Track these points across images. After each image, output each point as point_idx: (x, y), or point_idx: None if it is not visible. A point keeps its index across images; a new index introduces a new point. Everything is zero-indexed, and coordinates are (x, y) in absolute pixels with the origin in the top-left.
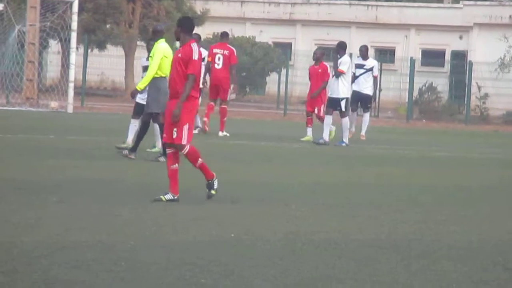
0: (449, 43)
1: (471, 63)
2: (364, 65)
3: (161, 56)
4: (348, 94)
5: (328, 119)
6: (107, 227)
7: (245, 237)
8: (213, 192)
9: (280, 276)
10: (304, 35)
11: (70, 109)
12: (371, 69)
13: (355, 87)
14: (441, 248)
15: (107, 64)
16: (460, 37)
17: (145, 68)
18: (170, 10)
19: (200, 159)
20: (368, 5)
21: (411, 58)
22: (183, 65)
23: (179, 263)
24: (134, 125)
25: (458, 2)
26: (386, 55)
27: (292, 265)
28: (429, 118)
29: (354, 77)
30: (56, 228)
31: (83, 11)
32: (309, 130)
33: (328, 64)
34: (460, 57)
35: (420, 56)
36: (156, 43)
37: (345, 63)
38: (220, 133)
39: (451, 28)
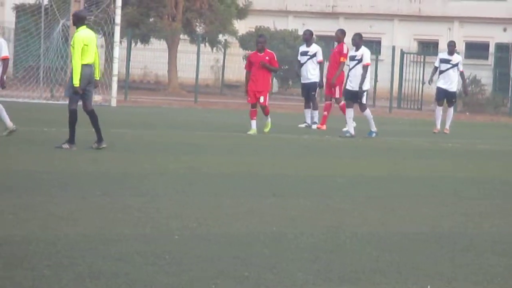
0: (493, 36)
1: None
2: (450, 60)
3: (81, 46)
4: (368, 86)
5: (350, 112)
6: (151, 220)
7: (288, 230)
8: None
9: (324, 270)
10: (347, 28)
11: (113, 103)
12: (456, 65)
13: (441, 83)
14: (486, 242)
15: (150, 57)
16: (504, 30)
17: None
18: (213, 3)
19: None
20: None
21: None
22: None
23: (223, 256)
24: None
25: None
26: (429, 48)
27: (335, 259)
28: (473, 110)
29: (439, 72)
30: (100, 221)
31: (127, 5)
32: (254, 123)
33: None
34: (504, 49)
35: (463, 48)
36: (76, 30)
37: (368, 55)
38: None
39: (495, 21)
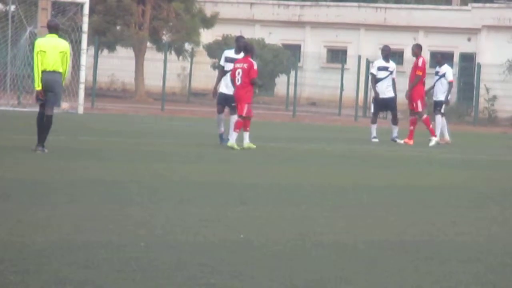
0: (458, 45)
1: (479, 65)
2: (438, 72)
3: (37, 51)
4: None
5: (221, 115)
6: (118, 228)
7: (255, 238)
8: None
9: (289, 277)
10: (313, 37)
11: (80, 110)
12: (443, 75)
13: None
14: (450, 250)
15: (117, 65)
16: (469, 39)
17: None
18: (180, 12)
19: None
20: (377, 7)
21: None
22: None
23: (189, 263)
24: None
25: (466, 4)
26: (395, 57)
27: (301, 266)
28: None
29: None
30: (67, 228)
31: (94, 13)
32: None
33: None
34: (468, 59)
35: (428, 58)
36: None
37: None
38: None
39: (459, 30)
